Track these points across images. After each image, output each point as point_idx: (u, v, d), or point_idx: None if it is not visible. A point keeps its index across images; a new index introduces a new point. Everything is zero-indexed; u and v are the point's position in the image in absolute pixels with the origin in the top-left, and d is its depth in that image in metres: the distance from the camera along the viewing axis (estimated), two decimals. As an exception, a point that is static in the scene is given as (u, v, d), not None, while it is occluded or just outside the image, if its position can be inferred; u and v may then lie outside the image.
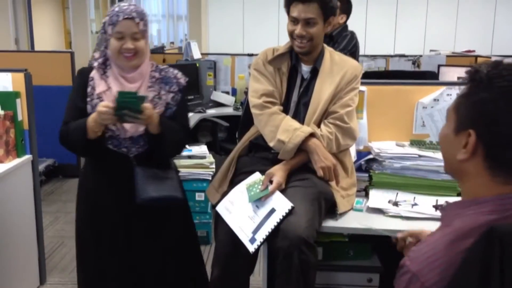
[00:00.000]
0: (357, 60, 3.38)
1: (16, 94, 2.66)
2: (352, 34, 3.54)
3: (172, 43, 10.52)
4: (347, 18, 3.56)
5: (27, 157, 2.71)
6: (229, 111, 4.39)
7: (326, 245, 1.99)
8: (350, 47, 3.46)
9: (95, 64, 1.99)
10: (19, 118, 2.67)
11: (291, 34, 2.00)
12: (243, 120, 2.30)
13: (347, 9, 3.55)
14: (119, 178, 2.00)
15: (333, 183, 1.94)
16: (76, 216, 2.14)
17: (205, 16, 6.96)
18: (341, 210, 1.93)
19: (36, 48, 8.36)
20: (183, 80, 2.03)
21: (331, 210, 1.93)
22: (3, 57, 4.98)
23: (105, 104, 1.85)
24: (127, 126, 1.94)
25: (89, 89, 1.98)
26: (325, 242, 1.97)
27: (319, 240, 1.84)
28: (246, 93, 3.49)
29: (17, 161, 2.63)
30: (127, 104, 1.81)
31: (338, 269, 2.01)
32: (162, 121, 1.93)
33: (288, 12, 2.02)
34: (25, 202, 2.72)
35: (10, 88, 2.68)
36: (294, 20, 1.98)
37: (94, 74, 1.99)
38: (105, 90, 1.96)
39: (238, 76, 4.63)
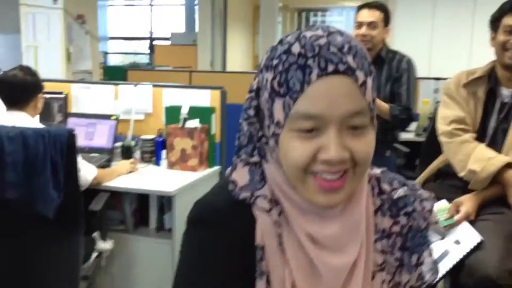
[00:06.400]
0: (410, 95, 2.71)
1: (212, 110, 2.93)
2: (408, 59, 2.79)
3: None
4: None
5: (217, 168, 2.94)
6: (410, 136, 4.23)
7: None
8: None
9: (258, 199, 0.80)
10: (213, 131, 2.92)
11: (503, 45, 1.83)
12: (426, 147, 2.19)
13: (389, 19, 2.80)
14: None
15: (533, 222, 1.73)
16: None
17: (390, 39, 6.83)
18: (542, 253, 1.71)
19: (228, 69, 9.13)
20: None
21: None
22: (201, 77, 5.55)
23: None
24: None
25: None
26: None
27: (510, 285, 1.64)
28: (430, 118, 3.31)
29: (208, 171, 2.86)
30: None
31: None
32: None
33: (497, 26, 1.86)
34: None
35: (207, 104, 2.97)
36: (510, 30, 1.81)
37: (263, 231, 0.79)
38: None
39: (422, 100, 4.44)
